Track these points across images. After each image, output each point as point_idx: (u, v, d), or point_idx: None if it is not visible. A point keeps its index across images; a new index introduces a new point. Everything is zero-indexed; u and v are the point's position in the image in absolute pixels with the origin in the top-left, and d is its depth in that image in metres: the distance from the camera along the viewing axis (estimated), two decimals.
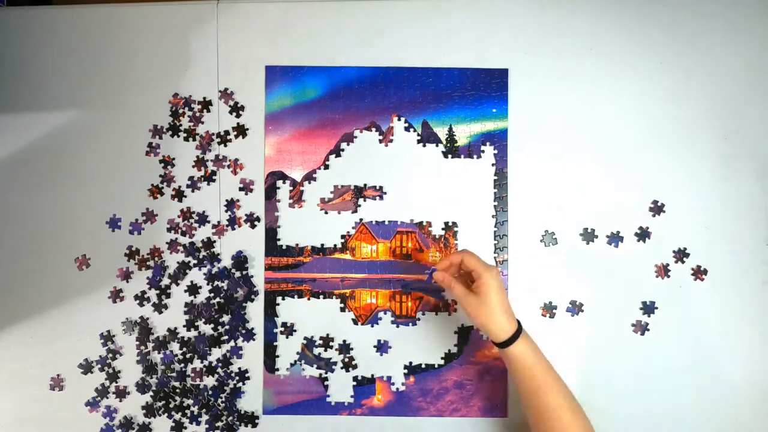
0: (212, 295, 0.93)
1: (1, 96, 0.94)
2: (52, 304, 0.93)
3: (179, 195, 0.93)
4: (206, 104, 0.94)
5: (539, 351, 0.79)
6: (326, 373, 0.92)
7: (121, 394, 0.92)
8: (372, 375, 0.92)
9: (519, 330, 0.78)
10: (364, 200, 0.93)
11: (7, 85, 0.94)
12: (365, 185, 0.93)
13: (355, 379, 0.92)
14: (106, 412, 0.92)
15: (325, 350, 0.92)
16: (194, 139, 0.94)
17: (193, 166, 0.94)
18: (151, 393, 0.92)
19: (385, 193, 0.93)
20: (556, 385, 0.78)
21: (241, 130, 0.94)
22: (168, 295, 0.93)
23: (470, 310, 0.79)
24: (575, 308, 0.92)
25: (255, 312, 0.93)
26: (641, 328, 0.91)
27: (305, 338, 0.92)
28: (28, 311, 0.93)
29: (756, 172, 0.92)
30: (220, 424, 0.92)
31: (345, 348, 0.92)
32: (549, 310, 0.92)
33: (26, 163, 0.94)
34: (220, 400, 0.92)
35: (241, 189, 0.93)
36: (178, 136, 0.94)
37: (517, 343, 0.77)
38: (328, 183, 0.93)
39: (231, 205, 0.93)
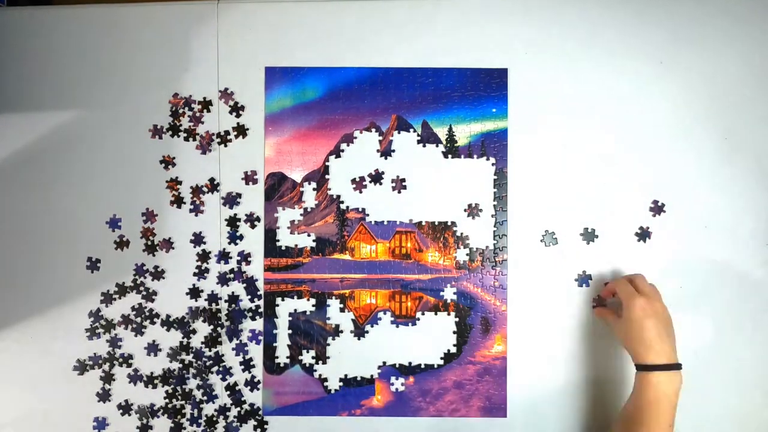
0: (212, 304, 0.93)
1: (1, 96, 0.94)
2: (52, 304, 0.93)
3: (179, 201, 0.93)
4: (206, 104, 0.94)
5: (674, 400, 0.76)
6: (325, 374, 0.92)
7: (117, 390, 0.92)
8: (371, 375, 0.92)
9: (668, 368, 0.77)
10: (346, 222, 0.93)
11: (7, 85, 0.94)
12: (348, 207, 0.93)
13: (354, 379, 0.92)
14: (106, 411, 0.92)
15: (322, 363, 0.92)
16: (194, 139, 0.94)
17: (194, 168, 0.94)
18: (150, 393, 0.92)
19: (368, 215, 0.93)
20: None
21: (241, 131, 0.94)
22: (168, 296, 0.93)
23: (616, 334, 0.84)
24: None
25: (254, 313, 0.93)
26: None
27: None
28: (28, 311, 0.93)
29: (756, 172, 0.92)
30: (219, 424, 0.92)
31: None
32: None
33: (26, 163, 0.94)
34: (220, 401, 0.92)
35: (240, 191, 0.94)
36: (179, 136, 0.94)
37: (656, 374, 0.76)
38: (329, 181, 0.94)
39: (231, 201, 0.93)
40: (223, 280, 0.93)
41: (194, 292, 0.93)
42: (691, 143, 0.92)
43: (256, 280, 0.93)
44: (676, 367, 0.77)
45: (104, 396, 0.92)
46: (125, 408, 0.92)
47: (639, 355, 0.79)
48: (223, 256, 0.93)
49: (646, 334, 0.78)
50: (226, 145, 0.94)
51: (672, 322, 0.81)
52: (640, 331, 0.78)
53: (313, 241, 0.93)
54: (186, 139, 0.94)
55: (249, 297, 0.93)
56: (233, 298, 0.93)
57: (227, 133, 0.94)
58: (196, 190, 0.93)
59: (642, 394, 0.77)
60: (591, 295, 0.92)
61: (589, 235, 0.92)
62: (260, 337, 0.93)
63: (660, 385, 0.76)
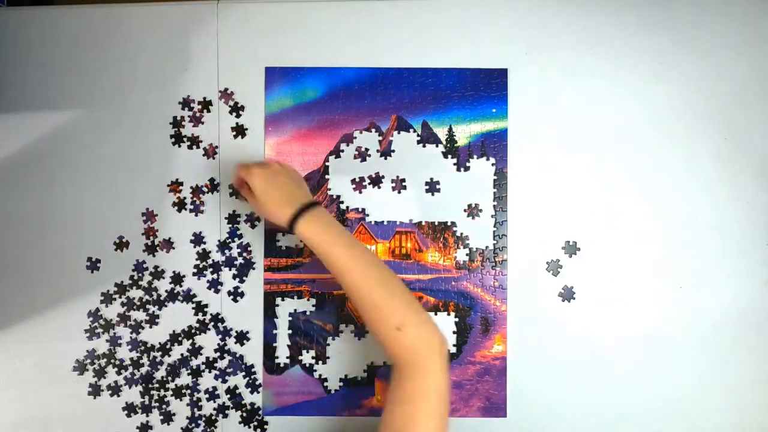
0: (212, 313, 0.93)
1: (1, 96, 0.94)
2: (52, 304, 0.93)
3: (181, 205, 0.93)
4: (206, 104, 0.94)
5: (330, 228, 0.78)
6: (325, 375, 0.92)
7: (117, 390, 0.92)
8: (371, 376, 0.92)
9: (301, 212, 0.78)
10: (346, 222, 0.93)
11: (7, 85, 0.94)
12: (348, 207, 0.93)
13: (354, 379, 0.92)
14: (105, 411, 0.92)
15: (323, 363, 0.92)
16: (197, 146, 0.93)
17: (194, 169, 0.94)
18: (150, 393, 0.92)
19: (368, 215, 0.93)
20: (350, 260, 0.76)
21: (240, 131, 0.94)
22: (168, 297, 0.93)
23: (258, 212, 0.86)
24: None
25: (254, 313, 0.93)
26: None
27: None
28: (28, 311, 0.93)
29: (756, 172, 0.92)
30: (219, 424, 0.92)
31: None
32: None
33: (26, 163, 0.94)
34: (220, 401, 0.93)
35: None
36: (179, 136, 0.94)
37: (298, 224, 0.77)
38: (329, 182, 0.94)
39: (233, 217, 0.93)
40: (215, 284, 0.93)
41: (189, 298, 0.93)
42: (691, 143, 0.92)
43: (257, 280, 0.93)
44: (308, 206, 0.78)
45: (95, 392, 0.92)
46: (129, 408, 0.92)
47: (279, 219, 0.79)
48: (224, 256, 0.93)
49: (273, 197, 0.79)
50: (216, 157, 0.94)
51: (294, 173, 0.84)
52: (269, 198, 0.80)
53: None
54: (189, 147, 0.94)
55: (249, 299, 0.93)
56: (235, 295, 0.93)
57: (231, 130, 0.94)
58: (196, 190, 0.93)
59: (309, 245, 0.78)
60: (591, 294, 0.92)
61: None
62: (260, 338, 0.93)
63: (306, 230, 0.77)
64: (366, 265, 0.76)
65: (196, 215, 0.93)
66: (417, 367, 0.71)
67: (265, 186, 0.80)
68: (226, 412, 0.93)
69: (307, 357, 0.93)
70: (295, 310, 0.93)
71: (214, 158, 0.94)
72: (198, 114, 0.94)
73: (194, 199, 0.93)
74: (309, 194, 0.83)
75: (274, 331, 0.93)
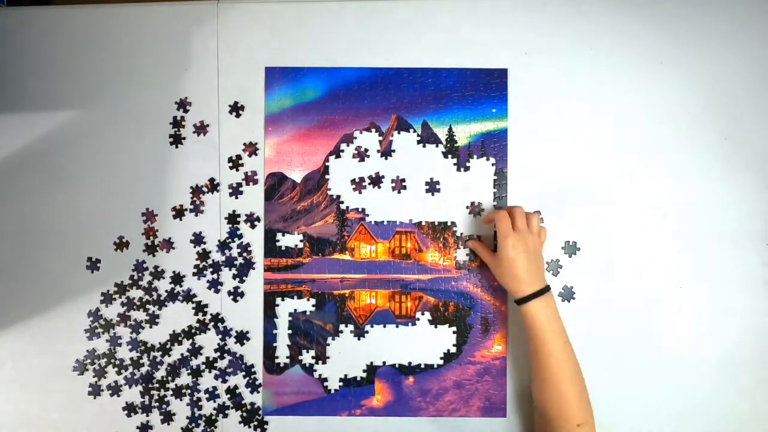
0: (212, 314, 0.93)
1: (1, 96, 0.94)
2: (52, 304, 0.93)
3: (180, 213, 0.93)
4: (206, 104, 0.94)
5: (556, 318, 0.82)
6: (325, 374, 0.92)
7: (117, 390, 0.92)
8: (371, 375, 0.92)
9: (539, 293, 0.81)
10: (346, 222, 0.93)
11: (7, 85, 0.94)
12: (347, 207, 0.93)
13: (354, 379, 0.92)
14: (105, 411, 0.92)
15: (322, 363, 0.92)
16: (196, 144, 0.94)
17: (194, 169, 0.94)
18: (150, 393, 0.92)
19: (368, 215, 0.93)
20: (562, 352, 0.80)
21: (240, 131, 0.94)
22: (168, 297, 0.93)
23: (492, 270, 0.87)
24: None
25: (254, 313, 0.93)
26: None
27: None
28: (28, 311, 0.93)
29: (756, 172, 0.92)
30: (219, 424, 0.92)
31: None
32: None
33: (26, 163, 0.94)
34: (220, 401, 0.93)
35: (240, 190, 0.94)
36: (178, 136, 0.94)
37: (531, 303, 0.81)
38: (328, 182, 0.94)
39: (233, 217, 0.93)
40: (215, 284, 0.93)
41: (189, 298, 0.93)
42: (691, 143, 0.92)
43: (257, 280, 0.93)
44: (545, 290, 0.82)
45: (95, 392, 0.92)
46: (129, 408, 0.92)
47: (514, 291, 0.83)
48: (224, 256, 0.93)
49: (518, 271, 0.82)
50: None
51: (541, 252, 0.86)
52: (512, 269, 0.82)
53: (305, 241, 0.93)
54: (186, 139, 0.93)
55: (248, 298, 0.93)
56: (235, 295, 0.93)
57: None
58: (196, 191, 0.93)
59: (527, 325, 0.82)
60: (591, 294, 0.92)
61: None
62: (260, 338, 0.93)
63: (537, 312, 0.81)
64: (572, 362, 0.81)
65: (196, 215, 0.93)
66: None
67: (515, 258, 0.82)
68: (226, 412, 0.93)
69: (307, 357, 0.93)
70: (295, 310, 0.93)
71: (214, 158, 0.94)
72: (198, 114, 0.94)
73: (194, 199, 0.93)
74: (544, 278, 0.84)
75: (274, 331, 0.93)
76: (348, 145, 0.94)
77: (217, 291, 0.93)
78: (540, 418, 0.82)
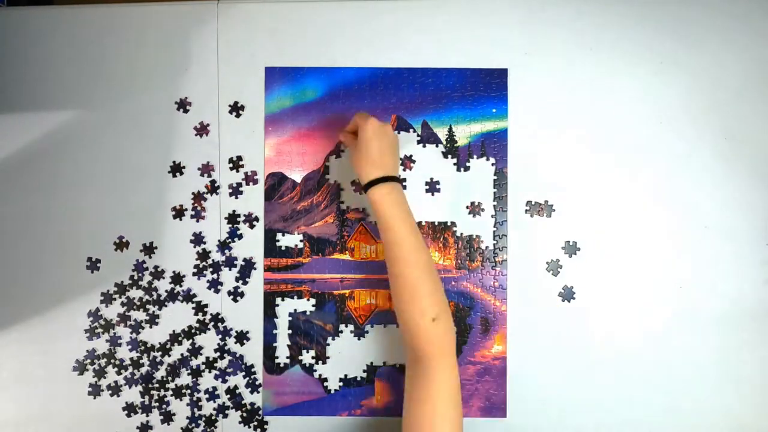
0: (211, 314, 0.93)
1: (1, 96, 0.94)
2: (52, 304, 0.93)
3: (180, 214, 0.93)
4: (206, 104, 0.94)
5: (402, 205, 0.79)
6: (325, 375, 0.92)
7: (117, 390, 0.92)
8: (371, 375, 0.92)
9: (387, 180, 0.79)
10: (346, 222, 0.93)
11: (7, 85, 0.94)
12: (348, 207, 0.93)
13: (354, 379, 0.92)
14: (105, 411, 0.92)
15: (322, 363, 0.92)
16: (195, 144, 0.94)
17: (196, 168, 0.94)
18: (150, 393, 0.92)
19: (368, 215, 0.93)
20: (409, 241, 0.77)
21: (240, 130, 0.94)
22: (168, 297, 0.93)
23: (351, 159, 0.84)
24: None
25: (254, 313, 0.93)
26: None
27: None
28: (28, 311, 0.93)
29: (756, 172, 0.92)
30: (219, 424, 0.92)
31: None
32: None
33: (25, 163, 0.94)
34: (220, 401, 0.93)
35: (240, 190, 0.94)
36: (178, 136, 0.94)
37: (375, 187, 0.78)
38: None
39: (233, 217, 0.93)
40: (215, 284, 0.93)
41: (189, 299, 0.93)
42: (691, 143, 0.92)
43: (257, 280, 0.93)
44: (394, 179, 0.80)
45: (95, 392, 0.92)
46: (129, 408, 0.92)
47: (365, 175, 0.80)
48: (224, 256, 0.93)
49: (373, 153, 0.80)
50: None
51: (398, 149, 0.83)
52: (368, 150, 0.80)
53: (305, 241, 0.93)
54: (186, 139, 0.93)
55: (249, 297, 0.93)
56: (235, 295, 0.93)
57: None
58: (198, 197, 0.93)
59: (376, 215, 0.80)
60: (591, 294, 0.92)
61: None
62: (260, 338, 0.93)
63: (380, 197, 0.78)
64: (421, 251, 0.78)
65: (197, 221, 0.93)
66: (439, 360, 0.74)
67: (371, 139, 0.80)
68: (226, 412, 0.93)
69: (307, 357, 0.93)
70: (295, 310, 0.93)
71: (214, 158, 0.94)
72: (198, 114, 0.94)
73: (195, 205, 0.93)
74: (398, 170, 0.83)
75: (274, 331, 0.93)
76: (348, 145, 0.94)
77: (217, 291, 0.93)
78: (399, 319, 0.79)
